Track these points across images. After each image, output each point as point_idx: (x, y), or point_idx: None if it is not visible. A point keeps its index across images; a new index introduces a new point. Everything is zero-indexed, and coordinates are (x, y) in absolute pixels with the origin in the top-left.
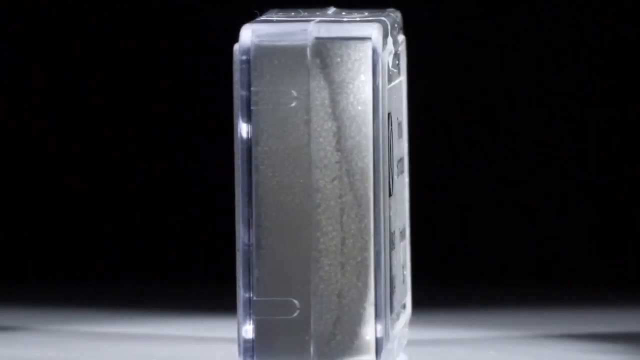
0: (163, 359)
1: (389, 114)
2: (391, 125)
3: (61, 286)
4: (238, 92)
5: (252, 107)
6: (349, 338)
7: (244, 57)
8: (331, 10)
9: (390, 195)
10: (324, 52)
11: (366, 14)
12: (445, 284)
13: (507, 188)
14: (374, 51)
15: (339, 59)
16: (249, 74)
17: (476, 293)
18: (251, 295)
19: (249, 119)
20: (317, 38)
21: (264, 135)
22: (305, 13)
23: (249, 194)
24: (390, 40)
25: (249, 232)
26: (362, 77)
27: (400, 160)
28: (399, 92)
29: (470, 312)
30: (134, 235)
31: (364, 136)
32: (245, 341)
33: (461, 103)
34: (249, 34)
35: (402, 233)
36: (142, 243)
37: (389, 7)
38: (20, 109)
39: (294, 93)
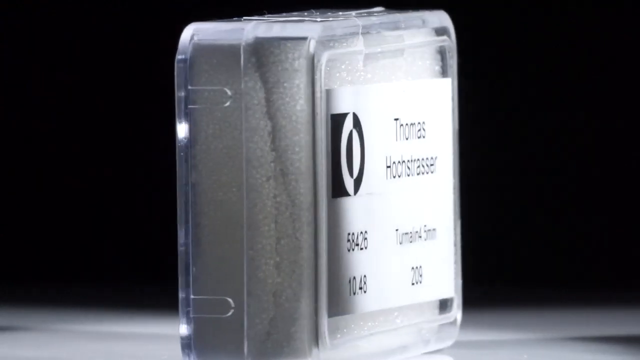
0: (164, 358)
1: (350, 115)
2: (360, 126)
3: (61, 286)
4: (176, 92)
5: (189, 106)
6: (284, 338)
7: (182, 57)
8: (377, 9)
9: (344, 195)
10: (261, 51)
11: (376, 12)
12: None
13: (510, 189)
14: (309, 51)
15: (275, 59)
16: (186, 73)
17: (475, 294)
18: (189, 293)
19: (185, 118)
20: (256, 37)
21: (201, 135)
22: (321, 13)
23: (187, 193)
24: (360, 40)
25: (185, 230)
26: (299, 77)
27: (416, 160)
28: (402, 93)
29: (473, 314)
30: (134, 235)
31: (302, 136)
32: (183, 338)
33: (460, 104)
34: (189, 33)
35: (413, 234)
36: (142, 243)
37: (436, 7)
38: (20, 109)
39: (229, 92)
